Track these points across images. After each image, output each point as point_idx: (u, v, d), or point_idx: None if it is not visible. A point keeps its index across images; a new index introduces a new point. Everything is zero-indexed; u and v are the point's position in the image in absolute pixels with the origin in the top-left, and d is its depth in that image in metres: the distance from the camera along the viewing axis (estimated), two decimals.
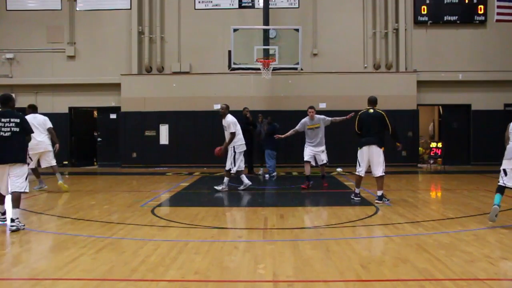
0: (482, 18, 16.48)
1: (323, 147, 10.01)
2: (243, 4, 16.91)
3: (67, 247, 5.31)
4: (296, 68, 14.25)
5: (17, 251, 5.36)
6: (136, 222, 6.81)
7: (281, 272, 4.36)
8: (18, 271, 4.46)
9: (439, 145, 15.91)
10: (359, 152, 8.24)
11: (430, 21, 16.59)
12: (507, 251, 5.04)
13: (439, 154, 15.83)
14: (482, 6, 16.40)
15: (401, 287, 3.96)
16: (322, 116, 10.08)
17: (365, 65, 16.80)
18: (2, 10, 17.26)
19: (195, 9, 17.04)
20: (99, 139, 17.24)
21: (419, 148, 16.94)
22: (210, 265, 4.61)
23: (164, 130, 16.32)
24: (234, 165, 9.78)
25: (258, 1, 16.68)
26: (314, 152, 9.95)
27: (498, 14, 14.40)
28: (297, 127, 10.10)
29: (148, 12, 16.88)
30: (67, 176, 14.52)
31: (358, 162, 8.29)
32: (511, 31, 16.30)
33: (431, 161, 15.92)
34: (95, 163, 17.62)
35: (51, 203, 8.70)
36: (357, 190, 8.53)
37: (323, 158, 10.07)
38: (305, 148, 10.08)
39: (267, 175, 12.87)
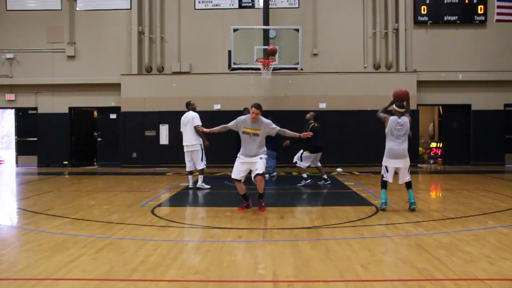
0: (482, 18, 16.48)
1: (260, 155, 7.57)
2: (243, 4, 16.91)
3: (67, 247, 5.31)
4: (296, 68, 14.24)
5: (17, 251, 5.36)
6: (136, 222, 6.81)
7: (281, 272, 4.36)
8: (18, 271, 4.46)
9: (439, 145, 15.92)
10: (310, 154, 10.88)
11: (430, 21, 16.59)
12: (507, 251, 5.04)
13: (439, 154, 15.83)
14: (482, 6, 16.40)
15: (401, 287, 3.96)
16: (269, 122, 7.61)
17: (365, 65, 16.80)
18: (2, 10, 17.26)
19: (195, 9, 17.04)
20: (99, 139, 17.24)
21: (419, 148, 16.95)
22: (210, 265, 4.62)
23: (164, 130, 16.31)
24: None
25: (258, 1, 16.68)
26: (249, 162, 7.55)
27: (498, 14, 14.40)
28: (229, 124, 7.72)
29: (148, 12, 16.88)
30: (67, 176, 14.53)
31: (307, 159, 10.88)
32: (511, 31, 16.30)
33: (431, 161, 15.93)
34: (95, 163, 17.62)
35: (51, 203, 8.70)
36: (305, 175, 11.05)
37: (258, 167, 7.44)
38: (236, 161, 7.67)
39: (267, 175, 12.87)
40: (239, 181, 7.57)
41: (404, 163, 7.45)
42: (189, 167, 10.33)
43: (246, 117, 7.61)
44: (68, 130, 17.24)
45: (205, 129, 8.18)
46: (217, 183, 11.43)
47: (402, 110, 7.47)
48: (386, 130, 7.48)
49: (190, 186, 10.43)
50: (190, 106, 10.36)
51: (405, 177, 7.50)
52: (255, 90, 16.02)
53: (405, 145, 7.42)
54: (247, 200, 7.79)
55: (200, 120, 10.03)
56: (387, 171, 7.49)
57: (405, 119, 7.42)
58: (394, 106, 7.52)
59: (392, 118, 7.46)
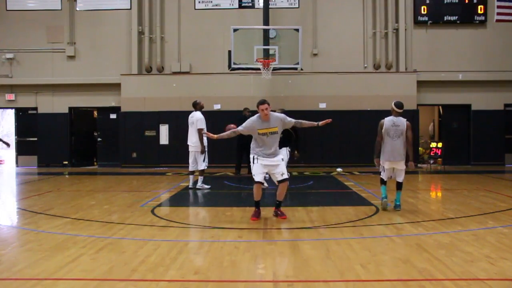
0: (482, 18, 16.47)
1: (280, 156, 7.01)
2: (243, 4, 16.90)
3: (67, 247, 5.31)
4: (296, 68, 14.24)
5: (17, 251, 5.36)
6: (136, 222, 6.81)
7: (281, 272, 4.36)
8: (18, 271, 4.46)
9: (439, 145, 15.91)
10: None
11: (430, 21, 16.58)
12: (507, 251, 5.05)
13: (439, 154, 15.83)
14: (482, 6, 16.38)
15: (401, 287, 3.96)
16: (282, 115, 6.92)
17: (365, 65, 16.80)
18: (2, 10, 17.25)
19: (195, 9, 17.03)
20: (99, 139, 17.24)
21: (419, 148, 16.94)
22: (210, 265, 4.62)
23: (164, 130, 16.31)
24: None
25: (258, 1, 16.67)
26: (269, 165, 6.84)
27: (498, 14, 14.40)
28: (239, 129, 6.91)
29: (148, 12, 16.87)
30: (67, 176, 14.53)
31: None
32: (511, 31, 16.30)
33: (431, 161, 15.92)
34: (95, 163, 17.62)
35: (51, 203, 8.70)
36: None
37: (283, 170, 6.86)
38: (253, 161, 6.88)
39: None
40: (262, 183, 6.88)
41: (400, 166, 7.51)
42: (191, 167, 10.34)
43: (256, 118, 6.76)
44: (68, 130, 17.22)
45: (212, 135, 7.19)
46: (217, 183, 11.43)
47: (400, 110, 7.46)
48: (383, 131, 7.50)
49: (190, 186, 10.44)
50: (197, 106, 10.30)
51: (400, 177, 7.57)
52: (255, 90, 16.02)
53: (402, 147, 7.42)
54: (259, 207, 7.00)
55: (204, 123, 9.98)
56: (384, 170, 7.64)
57: (402, 120, 7.43)
58: (392, 105, 7.51)
59: (388, 118, 7.48)
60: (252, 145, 6.92)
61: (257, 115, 6.78)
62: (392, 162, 7.49)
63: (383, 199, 7.64)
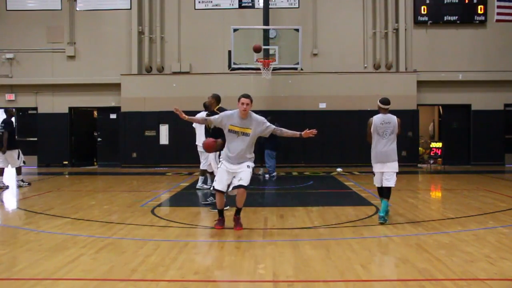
0: (482, 18, 16.47)
1: (247, 162, 6.20)
2: (243, 4, 16.90)
3: (67, 247, 5.31)
4: (296, 68, 14.25)
5: (17, 251, 5.36)
6: (136, 222, 6.81)
7: (281, 272, 4.36)
8: (18, 271, 4.46)
9: (439, 145, 15.90)
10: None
11: (430, 21, 16.58)
12: (507, 251, 5.04)
13: (439, 154, 15.83)
14: (482, 6, 16.39)
15: (401, 287, 3.96)
16: (262, 119, 6.29)
17: (365, 65, 16.79)
18: (2, 10, 17.25)
19: (195, 9, 17.03)
20: (99, 139, 17.24)
21: (419, 148, 16.94)
22: (210, 265, 4.62)
23: (164, 130, 16.31)
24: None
25: (258, 1, 16.67)
26: (232, 171, 6.17)
27: (498, 14, 14.40)
28: (212, 118, 6.46)
29: (148, 12, 16.87)
30: (67, 176, 14.52)
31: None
32: (511, 31, 16.30)
33: (431, 161, 15.92)
34: (95, 163, 17.62)
35: (51, 203, 8.70)
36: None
37: (242, 177, 6.08)
38: (218, 167, 6.35)
39: (267, 175, 12.88)
40: (223, 193, 6.21)
41: (391, 167, 6.74)
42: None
43: (234, 112, 6.29)
44: (68, 130, 17.22)
45: (185, 116, 6.34)
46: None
47: (387, 106, 6.77)
48: (371, 130, 6.80)
49: (208, 185, 10.35)
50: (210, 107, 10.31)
51: (388, 181, 6.74)
52: (255, 90, 15.98)
53: (393, 146, 6.73)
54: (223, 215, 6.44)
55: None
56: (374, 175, 6.94)
57: (392, 117, 6.76)
58: (378, 103, 6.84)
59: (377, 116, 6.81)
60: (225, 147, 6.39)
61: (236, 110, 6.31)
62: (383, 165, 6.73)
63: (380, 218, 6.54)
